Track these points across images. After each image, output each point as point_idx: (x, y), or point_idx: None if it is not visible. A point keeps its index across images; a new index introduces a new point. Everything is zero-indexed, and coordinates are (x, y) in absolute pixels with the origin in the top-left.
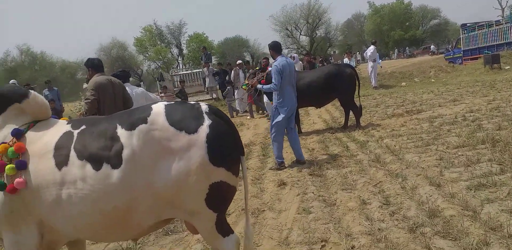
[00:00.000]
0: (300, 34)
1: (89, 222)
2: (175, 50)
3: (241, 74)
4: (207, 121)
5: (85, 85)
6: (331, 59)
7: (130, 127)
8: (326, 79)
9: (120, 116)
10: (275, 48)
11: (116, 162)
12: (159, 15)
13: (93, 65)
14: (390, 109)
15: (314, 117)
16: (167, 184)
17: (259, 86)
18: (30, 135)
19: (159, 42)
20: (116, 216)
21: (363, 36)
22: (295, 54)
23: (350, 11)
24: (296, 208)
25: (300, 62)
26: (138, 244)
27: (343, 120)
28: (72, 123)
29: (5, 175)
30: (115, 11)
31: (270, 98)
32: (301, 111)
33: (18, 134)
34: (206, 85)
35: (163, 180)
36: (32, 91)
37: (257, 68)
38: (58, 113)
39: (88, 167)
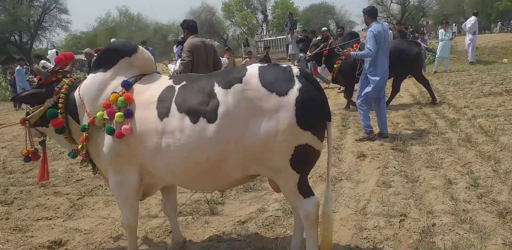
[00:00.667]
0: (392, 2)
1: (183, 169)
2: (260, 16)
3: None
4: (297, 85)
5: (174, 48)
6: (423, 30)
7: (227, 85)
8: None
9: (218, 75)
10: (371, 13)
11: (212, 116)
12: None
13: (189, 27)
14: (487, 87)
15: (401, 91)
16: (256, 141)
17: (352, 53)
18: (137, 87)
19: (245, 8)
20: (208, 165)
21: (461, 7)
22: (385, 23)
23: None
24: (375, 181)
25: (390, 31)
26: (221, 197)
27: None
28: (174, 79)
29: (114, 121)
30: None
31: (330, 70)
32: (387, 84)
33: (127, 85)
34: (289, 52)
35: (253, 137)
36: (140, 46)
37: (319, 38)
38: None
39: (187, 120)
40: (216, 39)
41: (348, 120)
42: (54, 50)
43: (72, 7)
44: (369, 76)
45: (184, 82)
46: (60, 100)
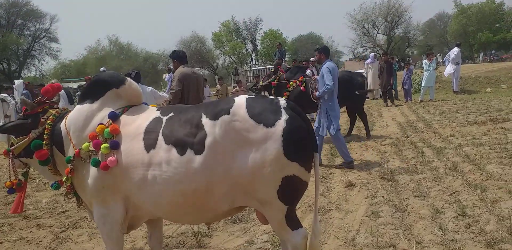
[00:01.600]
0: (377, 33)
1: (169, 202)
2: (249, 46)
3: (315, 71)
4: (284, 116)
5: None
6: (409, 60)
7: (214, 117)
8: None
9: (206, 107)
10: (325, 52)
11: (199, 148)
12: (237, 11)
13: (179, 57)
14: (472, 116)
15: (387, 120)
16: (243, 172)
17: (317, 93)
18: (124, 118)
19: (235, 38)
20: (195, 198)
21: (445, 37)
22: (373, 53)
23: (433, 11)
24: (364, 211)
25: (377, 61)
26: (208, 229)
27: (419, 124)
28: (162, 110)
29: (100, 153)
30: (196, 5)
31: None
32: (374, 112)
33: (114, 117)
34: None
35: (240, 168)
36: (128, 78)
37: (272, 71)
38: None
39: (173, 151)
40: (206, 68)
41: (335, 149)
42: (21, 80)
43: (62, 36)
44: (329, 111)
45: (171, 114)
46: (46, 131)
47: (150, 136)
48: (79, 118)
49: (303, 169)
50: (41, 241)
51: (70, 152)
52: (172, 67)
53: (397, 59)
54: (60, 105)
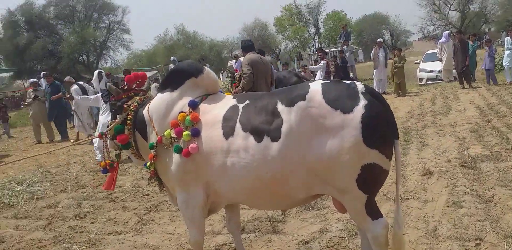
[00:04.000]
0: (450, 9)
1: (247, 188)
2: (312, 29)
3: (381, 54)
4: (362, 102)
5: (230, 63)
6: (485, 37)
7: (290, 103)
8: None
9: (281, 93)
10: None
11: (275, 135)
12: None
13: (244, 47)
14: None
15: (465, 103)
16: (320, 160)
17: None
18: (203, 106)
19: (297, 21)
20: (272, 184)
21: None
22: (446, 32)
23: None
24: (445, 200)
25: (451, 40)
26: (282, 215)
27: (502, 107)
28: (238, 98)
29: (182, 140)
30: None
31: None
32: (450, 95)
33: (194, 105)
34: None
35: (317, 156)
36: (206, 67)
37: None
38: None
39: (251, 139)
40: (268, 54)
41: (410, 135)
42: (97, 70)
43: (133, 27)
44: None
45: (247, 101)
46: (129, 117)
47: (228, 123)
48: (161, 106)
49: (383, 156)
50: (127, 223)
51: (153, 138)
52: (238, 54)
53: (475, 38)
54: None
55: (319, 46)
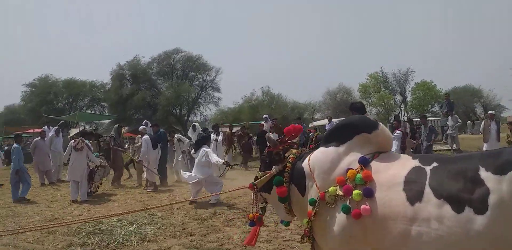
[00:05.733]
0: None
1: None
2: (398, 97)
3: (493, 126)
4: None
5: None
6: None
7: (499, 171)
8: None
9: (481, 157)
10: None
11: (480, 206)
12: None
13: (356, 108)
14: None
15: None
16: None
17: None
18: (375, 165)
19: (383, 89)
20: None
21: None
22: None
23: None
24: None
25: None
26: None
27: None
28: (420, 159)
29: (349, 199)
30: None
31: None
32: None
33: (365, 162)
34: (446, 132)
35: None
36: (380, 123)
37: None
38: None
39: (447, 208)
40: None
41: None
42: (193, 123)
43: (223, 86)
44: None
45: (435, 164)
46: (287, 169)
47: (412, 186)
48: (325, 161)
49: None
50: None
51: (312, 193)
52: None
53: None
54: (142, 149)
55: (405, 114)
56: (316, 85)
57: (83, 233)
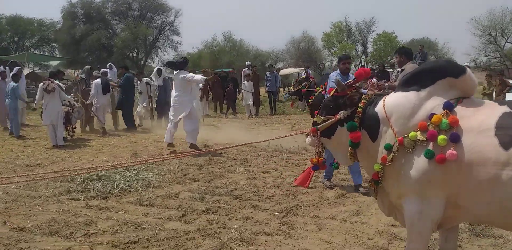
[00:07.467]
0: (506, 42)
1: None
2: (360, 48)
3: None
4: None
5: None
6: None
7: None
8: None
9: None
10: (407, 54)
11: None
12: (351, 12)
13: (407, 53)
14: None
15: None
16: None
17: None
18: (460, 110)
19: (345, 39)
20: None
21: None
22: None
23: None
24: None
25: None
26: None
27: None
28: (508, 105)
29: (433, 144)
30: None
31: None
32: None
33: (450, 107)
34: None
35: None
36: (468, 68)
37: (303, 77)
38: None
39: None
40: (312, 68)
41: None
42: (157, 67)
43: (183, 29)
44: None
45: None
46: (357, 114)
47: (506, 132)
48: (406, 106)
49: None
50: (267, 224)
51: (388, 139)
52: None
53: None
54: (91, 93)
55: (364, 65)
56: (280, 33)
57: (79, 179)
